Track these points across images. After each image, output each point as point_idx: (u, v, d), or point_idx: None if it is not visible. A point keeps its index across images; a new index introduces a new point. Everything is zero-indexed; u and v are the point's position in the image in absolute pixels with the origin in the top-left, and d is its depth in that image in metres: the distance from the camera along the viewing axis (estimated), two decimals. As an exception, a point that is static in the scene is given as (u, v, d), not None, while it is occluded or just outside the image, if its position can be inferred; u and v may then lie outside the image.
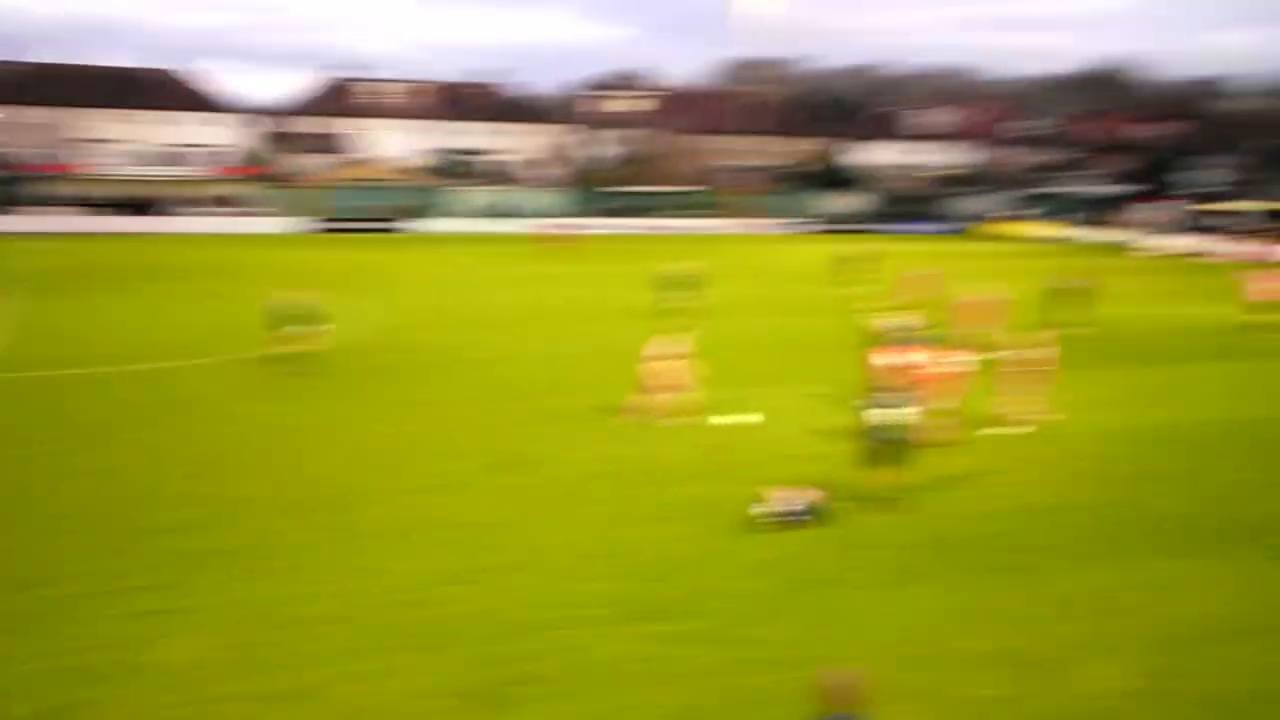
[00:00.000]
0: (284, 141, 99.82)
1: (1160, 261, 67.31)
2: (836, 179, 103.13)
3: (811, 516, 15.66)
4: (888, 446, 16.61)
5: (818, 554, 14.70)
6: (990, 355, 21.27)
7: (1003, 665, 11.53)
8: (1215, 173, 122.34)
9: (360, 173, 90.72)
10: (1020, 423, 21.06)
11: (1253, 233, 72.75)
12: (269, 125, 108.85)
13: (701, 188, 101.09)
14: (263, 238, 71.07)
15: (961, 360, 20.25)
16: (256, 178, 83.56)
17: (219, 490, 17.00)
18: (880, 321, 22.95)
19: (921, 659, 11.67)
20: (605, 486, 17.55)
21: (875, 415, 16.56)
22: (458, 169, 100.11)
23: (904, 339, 21.24)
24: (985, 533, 15.68)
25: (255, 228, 75.47)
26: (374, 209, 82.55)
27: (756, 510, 15.60)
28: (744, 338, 32.23)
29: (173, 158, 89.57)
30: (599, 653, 11.72)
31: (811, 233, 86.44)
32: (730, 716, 10.59)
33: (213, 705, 10.56)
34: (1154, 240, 77.07)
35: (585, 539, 15.16)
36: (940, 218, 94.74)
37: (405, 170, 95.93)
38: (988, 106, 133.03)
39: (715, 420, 21.37)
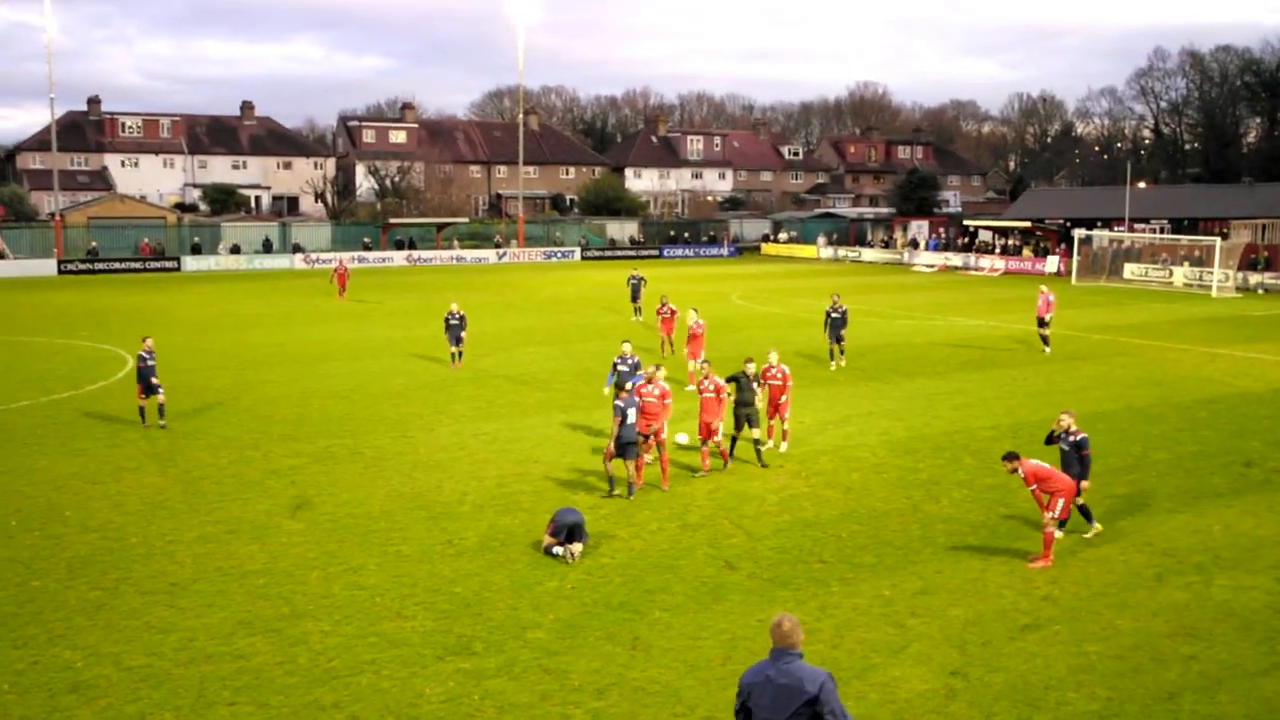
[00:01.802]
0: (26, 179, 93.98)
1: (930, 277, 70.75)
2: (613, 206, 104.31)
3: (579, 541, 15.56)
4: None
5: (621, 579, 14.65)
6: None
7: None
8: (970, 190, 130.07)
9: (114, 209, 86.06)
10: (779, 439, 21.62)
11: (1013, 248, 77.01)
12: (9, 162, 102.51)
13: (476, 218, 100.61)
14: (9, 281, 66.38)
15: (717, 383, 19.93)
16: None
17: (-21, 552, 15.68)
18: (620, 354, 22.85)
19: (729, 676, 11.67)
20: (402, 524, 17.05)
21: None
22: (219, 204, 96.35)
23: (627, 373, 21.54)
24: (780, 547, 15.97)
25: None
26: (131, 247, 78.16)
27: (552, 549, 15.43)
28: (531, 367, 32.12)
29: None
30: (408, 694, 11.33)
31: (589, 260, 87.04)
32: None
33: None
34: (922, 257, 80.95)
35: (387, 578, 14.68)
36: (716, 241, 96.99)
37: (162, 207, 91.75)
38: (755, 133, 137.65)
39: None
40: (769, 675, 7.54)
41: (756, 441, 20.46)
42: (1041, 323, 35.41)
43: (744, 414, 20.32)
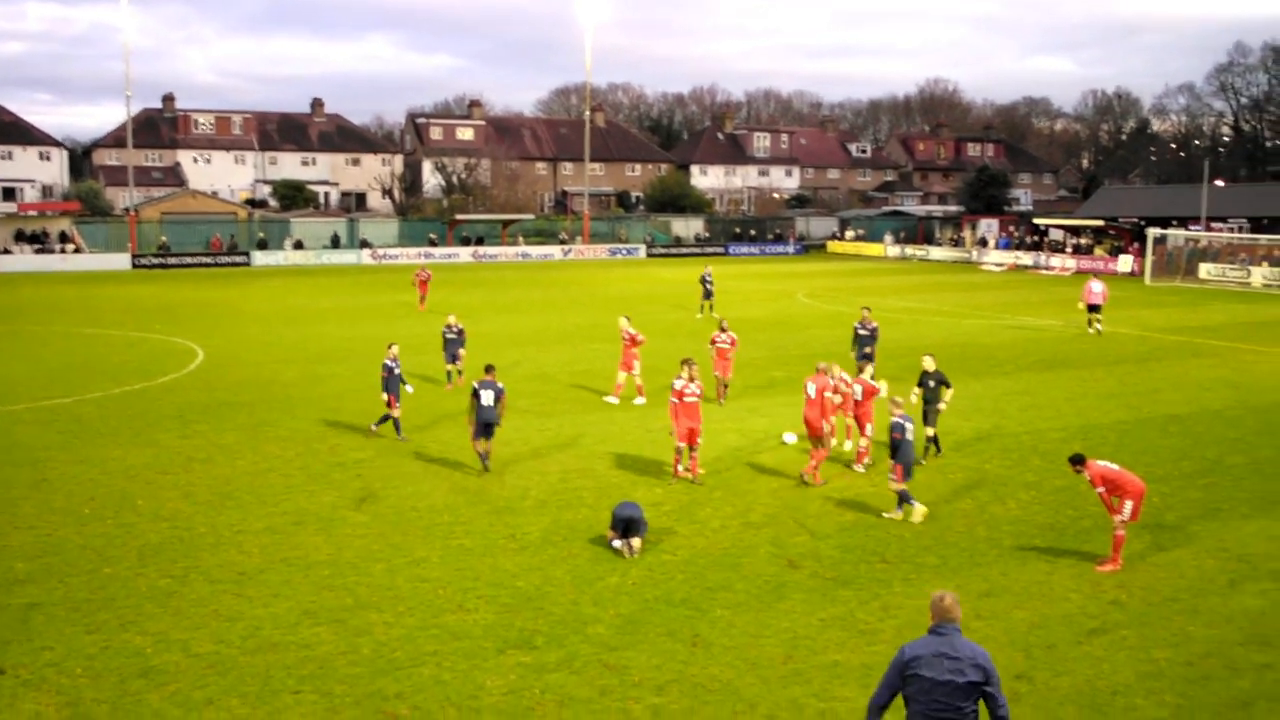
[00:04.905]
0: (102, 175, 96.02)
1: (999, 276, 69.84)
2: (678, 203, 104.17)
3: (638, 534, 15.50)
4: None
5: (682, 576, 14.63)
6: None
7: (872, 676, 11.53)
8: (1042, 189, 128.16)
9: (186, 205, 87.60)
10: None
11: (1085, 247, 75.62)
12: (86, 158, 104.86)
13: (541, 215, 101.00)
14: (85, 275, 67.80)
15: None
16: (75, 213, 79.61)
17: (52, 539, 16.05)
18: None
19: (790, 675, 11.63)
20: (464, 518, 17.16)
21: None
22: (288, 200, 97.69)
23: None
24: (843, 546, 15.85)
25: (75, 264, 71.69)
26: (203, 242, 79.42)
27: (613, 543, 15.47)
28: (595, 364, 32.17)
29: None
30: (469, 686, 11.39)
31: (654, 257, 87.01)
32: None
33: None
34: (991, 255, 79.87)
35: (449, 571, 14.79)
36: (782, 239, 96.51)
37: (233, 202, 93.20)
38: (823, 130, 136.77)
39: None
40: (940, 649, 7.94)
41: (935, 439, 20.70)
42: (1093, 309, 37.87)
43: (925, 411, 20.53)
